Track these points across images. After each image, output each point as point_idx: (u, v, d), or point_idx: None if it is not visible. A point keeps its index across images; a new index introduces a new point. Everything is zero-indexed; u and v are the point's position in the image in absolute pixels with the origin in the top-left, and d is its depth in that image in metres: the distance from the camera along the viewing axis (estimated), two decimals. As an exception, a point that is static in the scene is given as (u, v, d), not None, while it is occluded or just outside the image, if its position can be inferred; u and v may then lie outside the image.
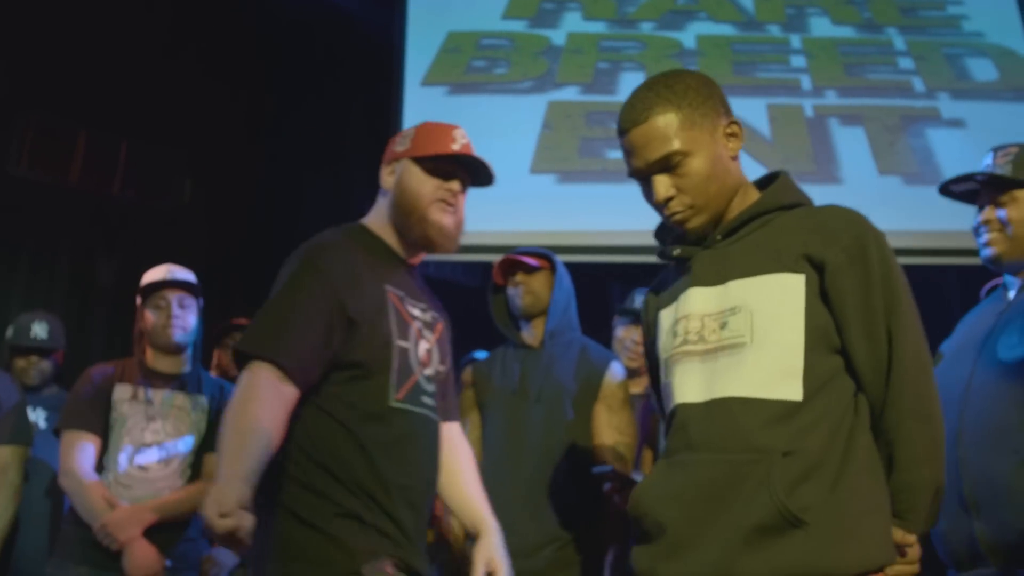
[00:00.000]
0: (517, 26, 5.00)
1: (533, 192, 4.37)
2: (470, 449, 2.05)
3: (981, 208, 2.02)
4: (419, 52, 4.86)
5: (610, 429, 2.59)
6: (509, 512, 2.16)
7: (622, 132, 1.52)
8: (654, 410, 2.72)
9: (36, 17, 4.68)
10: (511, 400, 2.60)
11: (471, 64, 4.86)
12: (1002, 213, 1.97)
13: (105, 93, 4.88)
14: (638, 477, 2.39)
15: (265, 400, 1.62)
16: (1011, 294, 1.99)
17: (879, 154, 4.51)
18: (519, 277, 2.69)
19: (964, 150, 4.41)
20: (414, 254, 1.92)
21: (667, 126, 1.47)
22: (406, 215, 1.86)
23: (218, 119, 5.13)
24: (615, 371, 2.65)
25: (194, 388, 2.72)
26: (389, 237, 1.89)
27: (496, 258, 2.76)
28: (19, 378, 3.13)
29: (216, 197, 5.30)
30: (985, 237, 2.00)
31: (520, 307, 2.67)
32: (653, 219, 1.60)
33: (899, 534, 1.40)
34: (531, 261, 2.68)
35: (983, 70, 4.77)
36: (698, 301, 1.50)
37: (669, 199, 1.49)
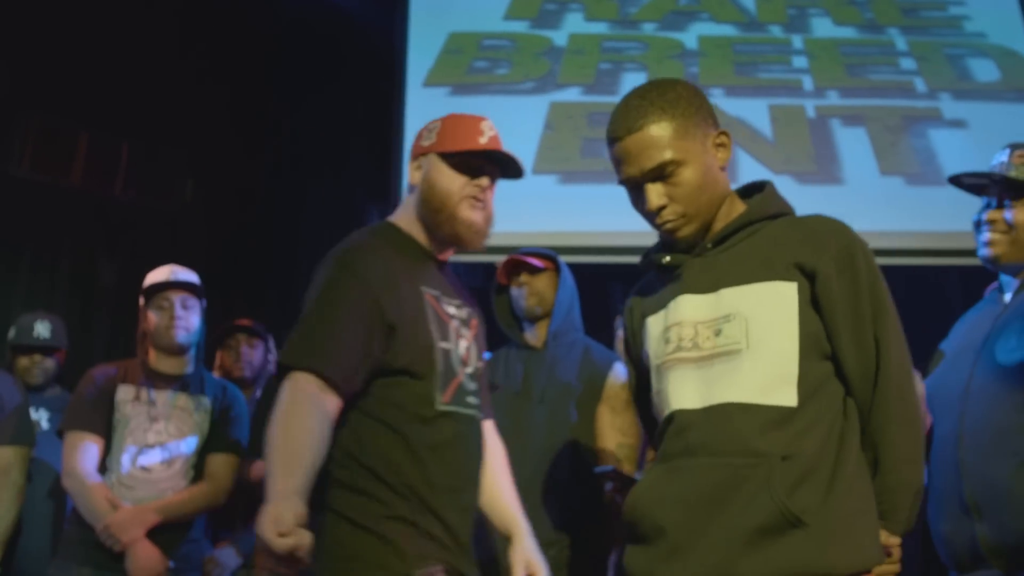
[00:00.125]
0: (519, 27, 5.00)
1: (535, 193, 4.36)
2: (503, 448, 2.01)
3: (988, 203, 2.01)
4: (421, 53, 4.86)
5: (613, 430, 2.59)
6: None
7: (615, 139, 1.53)
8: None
9: (37, 17, 4.68)
10: (514, 401, 2.60)
11: (473, 65, 4.86)
12: (1009, 215, 1.96)
13: (106, 94, 4.89)
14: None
15: (310, 412, 1.58)
16: (1007, 296, 1.98)
17: (881, 154, 4.51)
18: (523, 278, 2.70)
19: (966, 150, 4.41)
20: (444, 250, 1.88)
21: (662, 135, 1.49)
22: (435, 213, 1.81)
23: (219, 120, 5.13)
24: (618, 372, 2.65)
25: (197, 389, 2.72)
26: (419, 234, 1.85)
27: (497, 258, 2.76)
28: (23, 377, 3.14)
29: (217, 198, 5.31)
30: (987, 236, 1.99)
31: (524, 308, 2.67)
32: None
33: (883, 535, 1.43)
34: (536, 262, 2.69)
35: (985, 71, 4.76)
36: (690, 308, 1.52)
37: (662, 208, 1.52)
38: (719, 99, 4.67)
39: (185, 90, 5.01)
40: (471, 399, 1.80)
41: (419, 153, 1.86)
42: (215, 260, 4.64)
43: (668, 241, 1.59)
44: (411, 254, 1.83)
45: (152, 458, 2.61)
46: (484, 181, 1.82)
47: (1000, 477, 1.79)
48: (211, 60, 5.11)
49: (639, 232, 1.64)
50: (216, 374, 3.24)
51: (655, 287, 1.64)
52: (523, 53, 4.89)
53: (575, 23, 5.02)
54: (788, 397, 1.42)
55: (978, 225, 2.02)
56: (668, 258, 1.59)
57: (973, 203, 2.08)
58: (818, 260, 1.46)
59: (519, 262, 2.70)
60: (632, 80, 4.69)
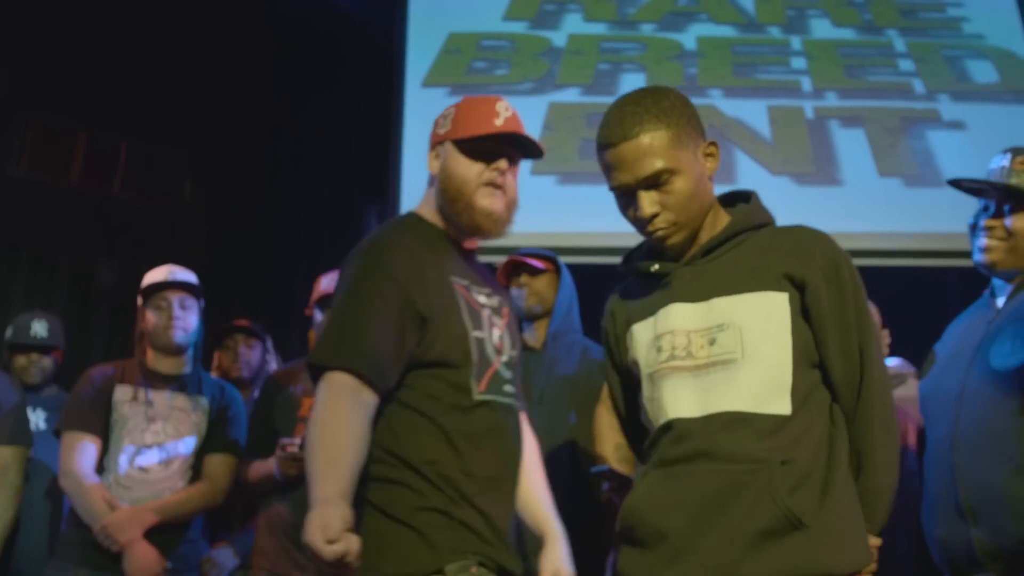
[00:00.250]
0: (518, 27, 5.00)
1: (533, 193, 4.33)
2: (535, 441, 1.94)
3: (985, 207, 2.00)
4: (420, 53, 4.85)
5: (612, 431, 2.58)
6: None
7: (608, 145, 1.53)
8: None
9: (37, 18, 4.68)
10: (512, 401, 2.60)
11: (472, 65, 4.86)
12: (1008, 223, 1.95)
13: (105, 94, 4.89)
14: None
15: (348, 412, 1.56)
16: (1000, 301, 1.97)
17: (879, 156, 4.51)
18: (523, 279, 2.70)
19: (964, 152, 4.41)
20: (469, 238, 1.84)
21: (658, 143, 1.51)
22: (452, 202, 1.77)
23: (218, 120, 5.13)
24: (616, 373, 2.65)
25: (195, 389, 2.72)
26: (443, 224, 1.81)
27: (496, 259, 2.76)
28: (20, 376, 3.13)
29: (216, 197, 5.31)
30: (983, 241, 1.98)
31: (524, 309, 2.68)
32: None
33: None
34: (536, 263, 2.69)
35: (983, 72, 4.77)
36: (681, 317, 1.54)
37: (654, 215, 1.53)
38: (718, 100, 4.67)
39: (184, 90, 5.01)
40: (508, 387, 1.76)
41: (436, 142, 1.82)
42: (213, 260, 4.64)
43: (654, 248, 1.60)
44: (437, 245, 1.79)
45: (150, 458, 2.61)
46: (502, 164, 1.77)
47: (995, 481, 1.80)
48: (210, 60, 5.11)
49: (637, 234, 1.63)
50: (214, 374, 3.24)
51: (638, 292, 1.64)
52: (522, 54, 4.89)
53: (574, 24, 5.02)
54: (783, 406, 1.45)
55: (974, 228, 2.02)
56: (656, 266, 1.60)
57: (972, 205, 2.07)
58: (806, 271, 1.50)
59: (519, 263, 2.70)
60: (631, 81, 4.70)
